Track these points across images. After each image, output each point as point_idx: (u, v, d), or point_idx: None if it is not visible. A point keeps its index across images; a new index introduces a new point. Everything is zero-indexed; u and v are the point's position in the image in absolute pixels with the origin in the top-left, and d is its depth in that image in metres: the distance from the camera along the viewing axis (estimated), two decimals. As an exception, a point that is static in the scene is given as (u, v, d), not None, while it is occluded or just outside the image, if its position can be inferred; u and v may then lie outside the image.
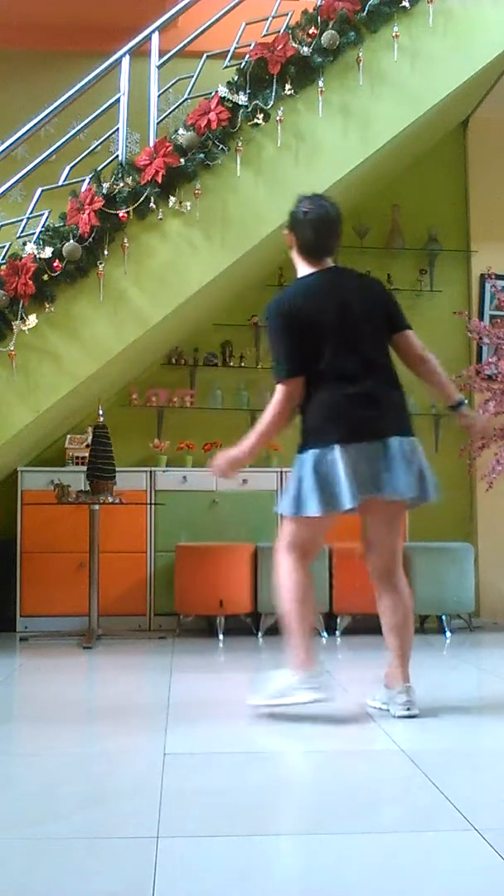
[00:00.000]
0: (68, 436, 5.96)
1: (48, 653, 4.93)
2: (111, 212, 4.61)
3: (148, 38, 4.81)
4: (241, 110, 4.65)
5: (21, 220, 4.87)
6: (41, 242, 4.62)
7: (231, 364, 6.17)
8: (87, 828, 2.14)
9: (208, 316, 5.97)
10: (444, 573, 5.46)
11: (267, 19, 4.78)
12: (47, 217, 4.73)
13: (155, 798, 2.31)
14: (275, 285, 5.87)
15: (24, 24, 5.88)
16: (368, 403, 3.20)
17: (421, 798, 2.35)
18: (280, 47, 4.65)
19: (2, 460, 5.18)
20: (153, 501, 5.75)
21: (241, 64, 4.71)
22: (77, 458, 5.81)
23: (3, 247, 4.81)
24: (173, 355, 6.14)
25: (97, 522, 5.30)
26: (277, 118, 4.66)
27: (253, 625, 5.50)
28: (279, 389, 3.29)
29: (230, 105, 4.65)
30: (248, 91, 4.66)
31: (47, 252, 4.58)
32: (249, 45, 4.69)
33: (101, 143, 5.15)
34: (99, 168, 4.79)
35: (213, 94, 4.67)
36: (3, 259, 4.73)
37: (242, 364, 6.17)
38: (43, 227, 4.69)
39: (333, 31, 4.64)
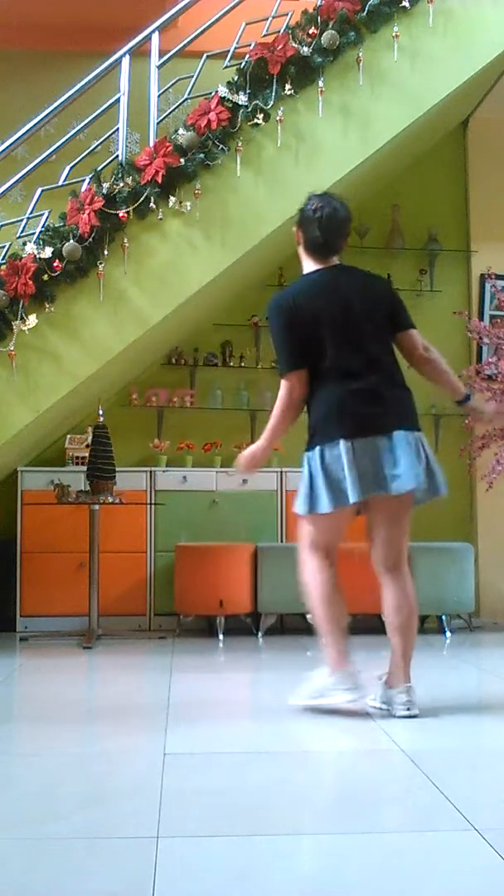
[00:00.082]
0: (68, 436, 5.96)
1: (48, 653, 4.93)
2: (111, 212, 4.61)
3: (148, 38, 4.81)
4: (241, 110, 4.65)
5: (21, 220, 4.87)
6: (41, 242, 4.62)
7: (231, 364, 6.17)
8: (87, 828, 2.14)
9: (208, 316, 5.97)
10: (444, 573, 5.46)
11: (267, 19, 4.78)
12: (47, 217, 4.73)
13: (155, 798, 2.31)
14: (275, 285, 5.87)
15: (24, 24, 5.88)
16: (372, 399, 3.21)
17: (421, 798, 2.35)
18: (280, 47, 4.65)
19: (2, 460, 5.18)
20: (153, 501, 5.75)
21: (241, 64, 4.71)
22: (77, 458, 5.81)
23: (3, 247, 4.81)
24: (173, 355, 6.14)
25: (97, 522, 5.30)
26: (277, 118, 4.66)
27: (253, 625, 5.50)
28: (282, 384, 3.34)
29: (230, 105, 4.65)
30: (248, 91, 4.66)
31: (47, 252, 4.58)
32: (249, 45, 4.70)
33: (101, 143, 5.15)
34: (99, 168, 4.79)
35: (213, 94, 4.68)
36: (3, 259, 4.73)
37: (242, 364, 6.17)
38: (43, 227, 4.69)
39: (333, 31, 4.65)
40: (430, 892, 1.79)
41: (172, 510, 5.73)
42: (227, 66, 4.77)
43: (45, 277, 4.58)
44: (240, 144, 4.67)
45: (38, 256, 4.58)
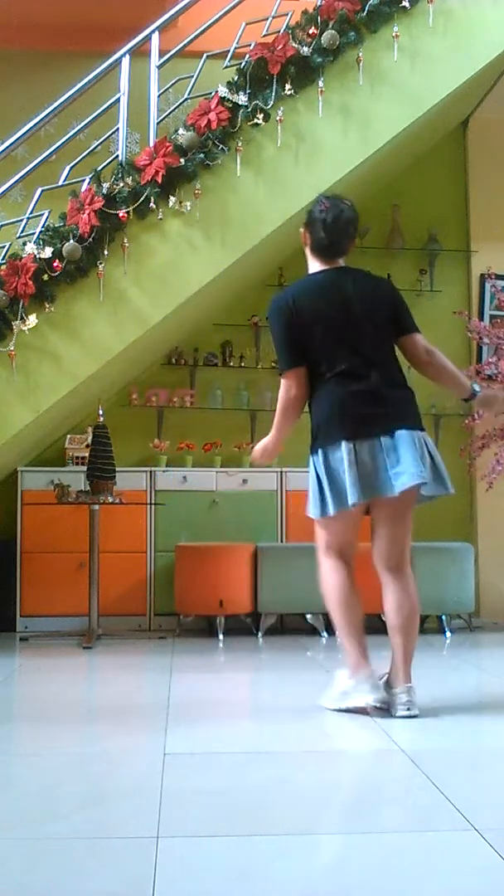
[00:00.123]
0: (68, 436, 5.96)
1: (48, 653, 4.93)
2: (111, 212, 4.61)
3: (148, 38, 4.81)
4: (241, 110, 4.65)
5: (21, 220, 4.87)
6: (41, 242, 4.62)
7: (231, 364, 6.17)
8: (87, 828, 2.14)
9: (208, 316, 5.97)
10: (444, 573, 5.46)
11: (267, 19, 4.78)
12: (47, 217, 4.73)
13: (155, 798, 2.31)
14: (275, 285, 5.87)
15: (24, 24, 5.88)
16: (373, 400, 3.21)
17: (421, 798, 2.35)
18: (280, 47, 4.65)
19: (2, 460, 5.18)
20: (153, 501, 5.75)
21: (241, 64, 4.71)
22: (77, 458, 5.81)
23: (3, 247, 4.81)
24: (173, 355, 6.14)
25: (97, 522, 5.30)
26: (277, 118, 4.66)
27: (253, 625, 5.50)
28: (281, 383, 3.37)
29: (230, 105, 4.65)
30: (248, 91, 4.66)
31: (47, 252, 4.58)
32: (249, 45, 4.69)
33: (101, 143, 5.15)
34: (99, 168, 4.79)
35: (213, 94, 4.68)
36: (3, 259, 4.73)
37: (242, 364, 6.17)
38: (43, 227, 4.69)
39: (333, 31, 4.64)
40: (430, 892, 1.79)
41: (172, 510, 5.73)
42: (227, 66, 4.77)
43: (45, 277, 4.58)
44: (240, 144, 4.67)
45: (38, 256, 4.58)
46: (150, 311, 4.69)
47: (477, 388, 3.42)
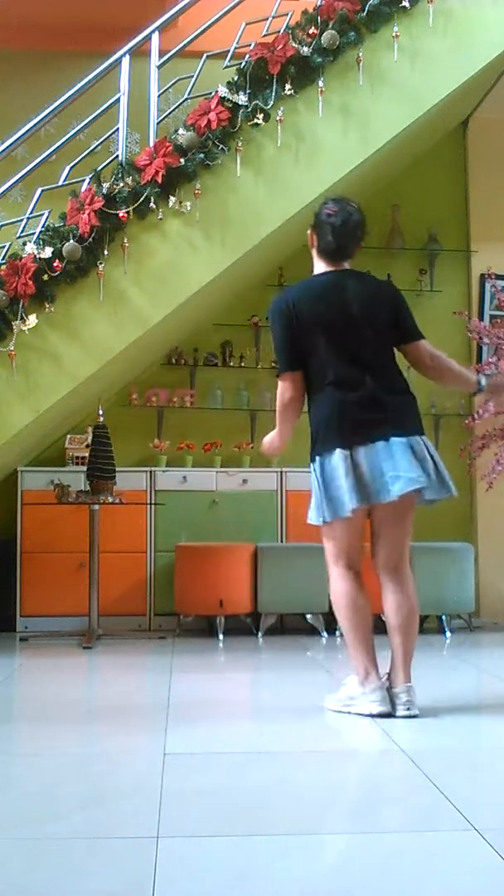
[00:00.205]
0: (68, 436, 5.96)
1: (48, 653, 4.93)
2: (111, 212, 4.61)
3: (148, 38, 4.81)
4: (241, 110, 4.65)
5: (21, 220, 4.87)
6: (41, 242, 4.62)
7: (231, 364, 6.17)
8: (87, 828, 2.14)
9: (208, 316, 5.97)
10: (444, 573, 5.46)
11: (267, 19, 4.78)
12: (47, 217, 4.73)
13: (155, 798, 2.31)
14: (275, 285, 5.88)
15: (24, 24, 5.88)
16: (372, 406, 3.21)
17: (421, 798, 2.35)
18: (280, 47, 4.65)
19: (2, 460, 5.18)
20: (153, 501, 5.75)
21: (241, 64, 4.71)
22: (77, 458, 5.81)
23: (3, 247, 4.81)
24: (173, 355, 6.14)
25: (97, 522, 5.30)
26: (277, 118, 4.66)
27: (253, 625, 5.50)
28: (278, 384, 3.39)
29: (230, 105, 4.65)
30: (248, 91, 4.66)
31: (47, 252, 4.58)
32: (249, 45, 4.69)
33: (101, 143, 5.15)
34: (99, 168, 4.79)
35: (213, 94, 4.67)
36: (3, 259, 4.73)
37: (242, 364, 6.17)
38: (43, 227, 4.69)
39: (333, 31, 4.64)
40: (430, 892, 1.79)
41: (172, 510, 5.73)
42: (227, 66, 4.77)
43: (45, 277, 4.58)
44: (240, 144, 4.67)
45: (38, 256, 4.58)
46: (150, 311, 4.69)
47: (483, 380, 3.42)
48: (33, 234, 4.69)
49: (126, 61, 4.78)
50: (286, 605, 5.46)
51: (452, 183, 6.45)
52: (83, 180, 4.75)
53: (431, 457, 3.23)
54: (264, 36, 4.74)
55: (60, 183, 4.84)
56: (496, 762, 2.78)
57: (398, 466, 3.16)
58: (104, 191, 4.61)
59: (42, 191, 4.83)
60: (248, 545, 5.53)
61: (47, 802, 2.35)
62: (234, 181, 4.68)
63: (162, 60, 4.82)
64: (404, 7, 4.70)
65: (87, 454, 5.49)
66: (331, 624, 5.39)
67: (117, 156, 4.81)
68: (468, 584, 5.54)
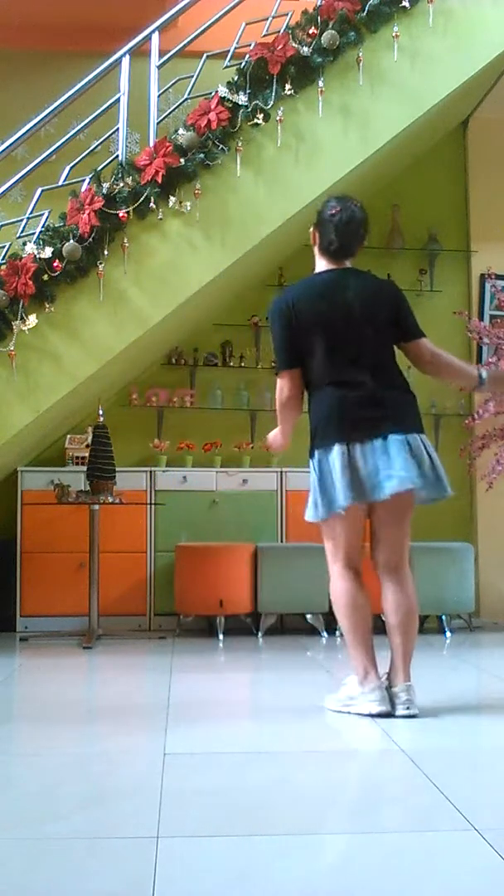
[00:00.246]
0: (68, 436, 5.96)
1: (48, 653, 4.93)
2: (111, 212, 4.61)
3: (148, 38, 4.81)
4: (241, 110, 4.65)
5: (21, 220, 4.87)
6: (41, 242, 4.62)
7: (231, 364, 6.17)
8: (87, 828, 2.14)
9: (208, 316, 5.97)
10: (444, 573, 5.46)
11: (267, 19, 4.78)
12: (47, 217, 4.73)
13: (155, 798, 2.31)
14: (275, 285, 5.88)
15: (24, 24, 5.88)
16: (371, 403, 3.21)
17: (421, 798, 2.35)
18: (280, 47, 4.65)
19: (2, 460, 5.18)
20: (153, 501, 5.75)
21: (241, 64, 4.71)
22: (77, 458, 5.81)
23: (3, 247, 4.81)
24: (173, 355, 6.14)
25: (97, 522, 5.30)
26: (277, 118, 4.66)
27: (253, 625, 5.50)
28: (278, 381, 3.40)
29: (230, 105, 4.65)
30: (248, 91, 4.66)
31: (47, 252, 4.58)
32: (249, 45, 4.69)
33: (101, 143, 5.15)
34: (99, 168, 4.79)
35: (213, 94, 4.67)
36: (3, 259, 4.73)
37: (242, 364, 6.17)
38: (43, 227, 4.69)
39: (333, 31, 4.64)
40: (430, 892, 1.79)
41: (172, 510, 5.73)
42: (227, 66, 4.77)
43: (45, 277, 4.58)
44: (240, 144, 4.67)
45: (38, 256, 4.58)
46: (150, 311, 4.69)
47: (484, 373, 3.41)
48: (33, 234, 4.69)
49: (126, 61, 4.78)
50: (286, 605, 5.46)
51: (452, 183, 6.45)
52: (83, 180, 4.75)
53: (429, 455, 3.23)
54: (264, 36, 4.74)
55: (60, 183, 4.85)
56: (496, 762, 2.78)
57: (393, 465, 3.16)
58: (104, 191, 4.61)
59: (42, 191, 4.83)
60: (248, 545, 5.53)
61: (47, 802, 2.35)
62: (234, 181, 4.68)
63: (162, 60, 4.82)
64: (404, 7, 4.70)
65: (87, 454, 5.49)
66: (331, 624, 5.38)
67: (117, 156, 4.82)
68: (468, 584, 5.54)
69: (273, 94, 4.66)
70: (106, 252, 4.63)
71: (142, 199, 4.62)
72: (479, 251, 6.35)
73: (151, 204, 4.62)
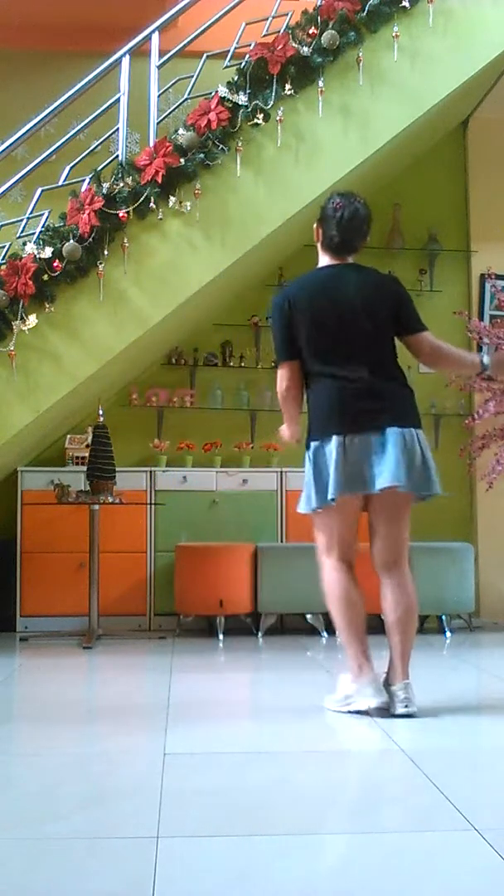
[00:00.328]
0: (68, 436, 5.96)
1: (48, 653, 4.93)
2: (111, 212, 4.61)
3: (148, 38, 4.81)
4: (241, 110, 4.65)
5: (21, 220, 4.87)
6: (41, 242, 4.62)
7: (231, 364, 6.17)
8: (87, 828, 2.14)
9: (208, 316, 5.97)
10: (444, 573, 5.46)
11: (267, 19, 4.78)
12: (47, 217, 4.73)
13: (155, 798, 2.31)
14: (275, 285, 5.88)
15: (24, 24, 5.88)
16: (368, 396, 3.22)
17: (421, 798, 2.35)
18: (280, 47, 4.65)
19: (2, 460, 5.18)
20: (153, 501, 5.75)
21: (241, 64, 4.71)
22: (77, 458, 5.81)
23: (3, 247, 4.81)
24: (173, 355, 6.14)
25: (97, 522, 5.30)
26: (277, 118, 4.66)
27: (253, 625, 5.50)
28: (278, 372, 3.42)
29: (230, 105, 4.65)
30: (248, 91, 4.66)
31: (47, 252, 4.58)
32: (249, 45, 4.69)
33: (101, 143, 5.15)
34: (99, 168, 4.79)
35: (213, 94, 4.67)
36: (3, 259, 4.73)
37: (242, 364, 6.17)
38: (43, 227, 4.69)
39: (333, 31, 4.64)
40: (430, 892, 1.79)
41: (172, 510, 5.73)
42: (227, 66, 4.77)
43: (45, 277, 4.58)
44: (240, 144, 4.67)
45: (38, 256, 4.58)
46: (150, 311, 4.69)
47: (485, 358, 3.41)
48: (33, 234, 4.69)
49: (126, 61, 4.78)
50: (286, 605, 5.46)
51: (452, 183, 6.45)
52: (83, 180, 4.75)
53: (421, 452, 3.22)
54: (264, 36, 4.74)
55: (60, 183, 4.85)
56: (496, 762, 2.78)
57: (385, 461, 3.16)
58: (104, 191, 4.61)
59: (42, 191, 4.83)
60: (248, 545, 5.53)
61: (47, 802, 2.35)
62: (234, 181, 4.68)
63: (162, 60, 4.82)
64: (404, 7, 4.70)
65: (87, 454, 5.49)
66: (331, 624, 5.37)
67: (117, 156, 4.81)
68: (468, 584, 5.54)
69: (273, 94, 4.66)
70: (106, 252, 4.63)
71: (142, 199, 4.62)
72: (479, 251, 6.35)
73: (151, 204, 4.62)
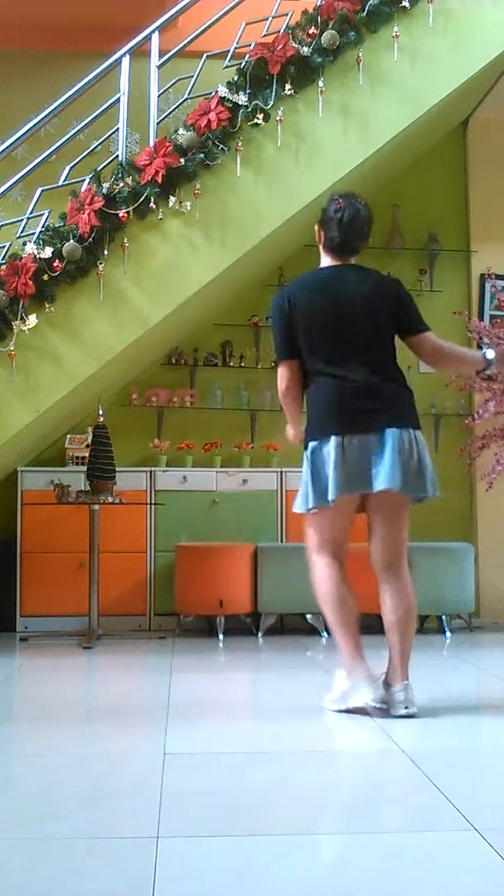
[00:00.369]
0: (68, 436, 5.96)
1: (48, 653, 4.93)
2: (111, 212, 4.61)
3: (148, 38, 4.81)
4: (241, 110, 4.65)
5: (21, 220, 4.87)
6: (41, 242, 4.62)
7: (231, 364, 6.17)
8: (87, 828, 2.14)
9: (208, 316, 5.97)
10: (444, 573, 5.46)
11: (267, 19, 4.78)
12: (47, 217, 4.73)
13: (155, 798, 2.31)
14: (275, 285, 5.87)
15: (24, 24, 5.88)
16: (367, 396, 3.22)
17: (421, 798, 2.35)
18: (280, 47, 4.65)
19: (2, 460, 5.18)
20: (153, 501, 5.75)
21: (241, 64, 4.71)
22: (77, 458, 5.81)
23: (3, 247, 4.81)
24: (173, 355, 6.14)
25: (97, 522, 5.30)
26: (277, 118, 4.66)
27: (253, 625, 5.50)
28: (278, 371, 3.42)
29: (230, 105, 4.65)
30: (248, 91, 4.65)
31: (47, 252, 4.58)
32: (249, 45, 4.69)
33: (101, 143, 5.15)
34: (99, 168, 4.79)
35: (213, 94, 4.67)
36: (3, 259, 4.73)
37: (242, 364, 6.17)
38: (43, 227, 4.69)
39: (333, 31, 4.64)
40: (430, 892, 1.79)
41: (172, 510, 5.73)
42: (227, 66, 4.77)
43: (45, 277, 4.58)
44: (240, 144, 4.67)
45: (38, 256, 4.58)
46: (150, 311, 4.69)
47: (489, 353, 3.41)
48: (33, 234, 4.69)
49: (126, 61, 4.78)
50: (286, 605, 5.46)
51: (452, 183, 6.45)
52: (83, 180, 4.75)
53: (418, 454, 3.22)
54: (264, 36, 4.74)
55: (60, 183, 4.85)
56: (496, 762, 2.78)
57: (383, 462, 3.16)
58: (104, 191, 4.61)
59: (42, 191, 4.83)
60: (248, 545, 5.53)
61: (47, 802, 2.35)
62: (234, 181, 4.68)
63: (162, 60, 4.82)
64: (404, 7, 4.70)
65: (87, 454, 5.49)
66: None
67: (117, 156, 4.81)
68: (468, 584, 5.54)
69: (273, 94, 4.66)
70: (106, 252, 4.63)
71: (142, 199, 4.62)
72: (479, 251, 6.35)
73: (151, 204, 4.62)
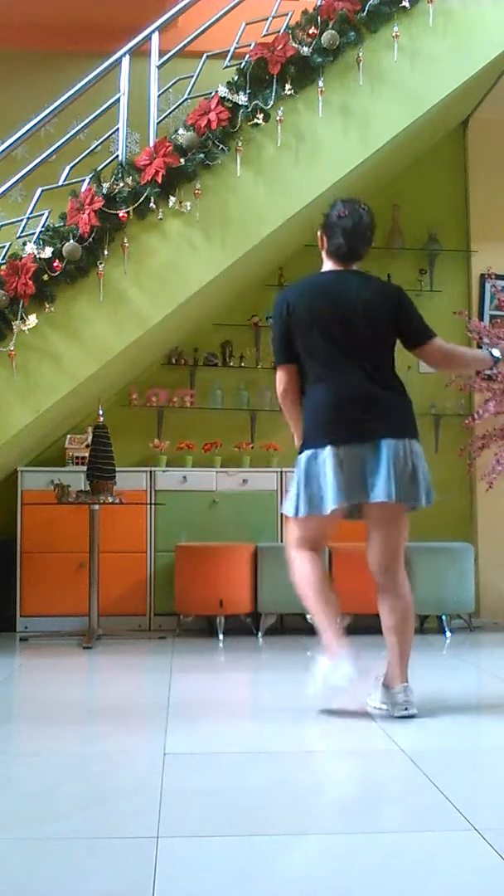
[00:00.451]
0: (68, 436, 5.96)
1: (48, 653, 4.93)
2: (111, 212, 4.61)
3: (148, 38, 4.81)
4: (241, 110, 4.65)
5: (21, 220, 4.87)
6: (41, 242, 4.62)
7: (231, 364, 6.17)
8: (87, 828, 2.14)
9: (208, 316, 5.97)
10: (444, 573, 5.46)
11: (267, 19, 4.78)
12: (47, 217, 4.73)
13: (155, 798, 2.31)
14: (275, 285, 5.88)
15: (24, 24, 5.88)
16: (364, 405, 3.21)
17: (421, 798, 2.35)
18: (280, 47, 4.65)
19: (2, 460, 5.18)
20: (153, 501, 5.75)
21: (241, 64, 4.70)
22: (77, 458, 5.81)
23: (3, 247, 4.81)
24: (173, 355, 6.14)
25: (97, 522, 5.30)
26: (277, 118, 4.66)
27: (253, 625, 5.50)
28: (276, 374, 3.44)
29: (230, 105, 4.65)
30: (248, 91, 4.65)
31: (47, 252, 4.58)
32: (249, 45, 4.69)
33: (101, 143, 5.15)
34: (99, 168, 4.79)
35: (213, 94, 4.67)
36: (3, 259, 4.73)
37: (242, 364, 6.17)
38: (43, 227, 4.69)
39: (333, 31, 4.64)
40: (430, 892, 1.79)
41: (172, 510, 5.73)
42: (227, 66, 4.76)
43: (45, 277, 4.58)
44: (240, 144, 4.67)
45: (38, 256, 4.58)
46: (150, 311, 4.69)
47: (496, 353, 3.41)
48: (33, 234, 4.69)
49: (126, 61, 4.78)
50: (286, 605, 5.44)
51: (452, 183, 6.45)
52: (83, 180, 4.75)
53: (413, 465, 3.21)
54: (264, 36, 4.74)
55: (60, 183, 4.84)
56: (496, 762, 2.78)
57: (378, 472, 3.16)
58: (104, 191, 4.61)
59: (42, 191, 4.83)
60: (248, 545, 5.54)
61: (47, 802, 2.35)
62: (234, 181, 4.68)
63: (162, 60, 4.82)
64: (404, 7, 4.70)
65: (87, 454, 5.49)
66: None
67: (117, 156, 4.81)
68: (468, 584, 5.54)
69: (273, 94, 4.66)
70: (106, 252, 4.63)
71: (142, 199, 4.62)
72: (479, 251, 6.35)
73: (151, 204, 4.62)
